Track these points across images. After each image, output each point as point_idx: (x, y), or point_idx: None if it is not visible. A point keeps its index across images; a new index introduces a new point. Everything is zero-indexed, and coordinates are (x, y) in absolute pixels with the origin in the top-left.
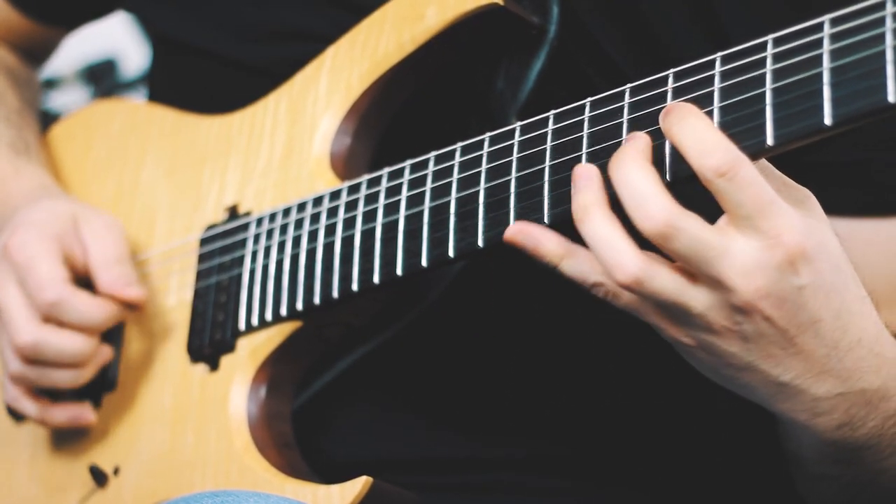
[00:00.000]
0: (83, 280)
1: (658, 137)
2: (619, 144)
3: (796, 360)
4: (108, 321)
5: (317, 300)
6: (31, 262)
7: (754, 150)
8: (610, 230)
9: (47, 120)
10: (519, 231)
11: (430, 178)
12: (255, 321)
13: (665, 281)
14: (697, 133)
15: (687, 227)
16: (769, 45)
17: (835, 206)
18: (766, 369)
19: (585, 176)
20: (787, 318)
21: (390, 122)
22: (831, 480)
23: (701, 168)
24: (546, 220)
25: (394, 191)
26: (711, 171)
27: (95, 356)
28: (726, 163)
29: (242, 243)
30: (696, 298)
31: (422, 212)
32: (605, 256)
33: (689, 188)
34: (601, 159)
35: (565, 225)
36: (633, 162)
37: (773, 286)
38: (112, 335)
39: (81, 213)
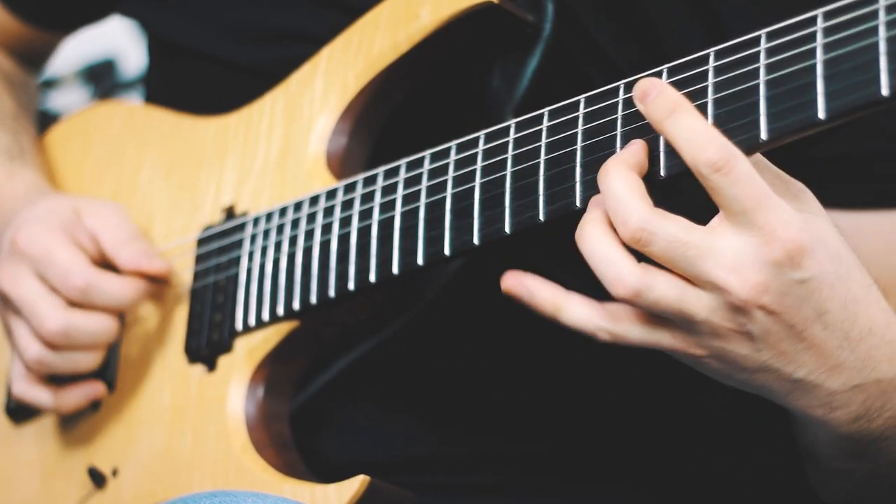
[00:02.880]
0: (102, 266)
1: (652, 131)
2: (613, 140)
3: (808, 355)
4: (137, 299)
5: (314, 299)
6: (49, 253)
7: (748, 143)
8: (606, 245)
9: (47, 120)
10: (515, 282)
11: (425, 176)
12: (252, 321)
13: (664, 290)
14: (690, 128)
15: (662, 229)
16: (763, 40)
17: (838, 199)
18: (780, 367)
19: (595, 201)
20: (791, 312)
21: (386, 122)
22: (847, 475)
23: (695, 163)
24: (541, 217)
25: (389, 189)
26: (706, 165)
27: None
28: (721, 157)
29: (239, 243)
30: (697, 303)
31: (417, 209)
32: (603, 271)
33: (690, 190)
34: (596, 155)
35: (561, 222)
36: (614, 169)
37: (772, 281)
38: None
39: (82, 204)
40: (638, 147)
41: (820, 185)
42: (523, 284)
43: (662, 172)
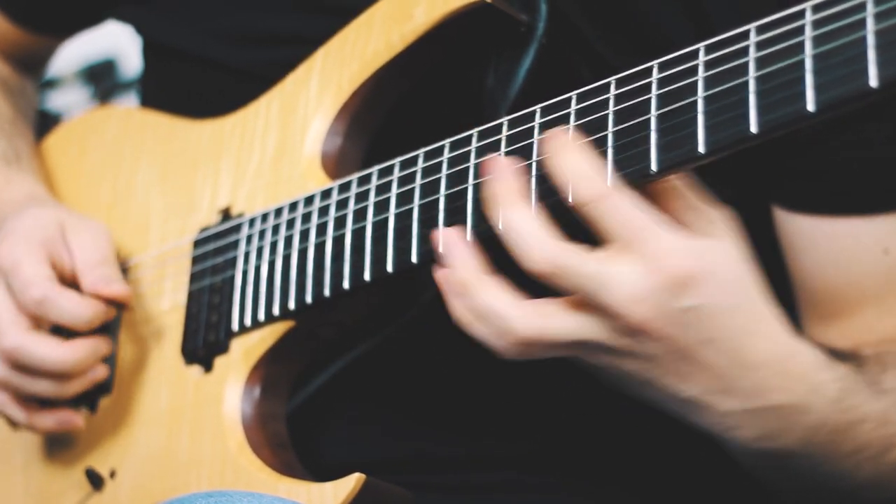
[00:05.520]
0: (72, 286)
1: (645, 127)
2: (605, 138)
3: (699, 377)
4: (94, 320)
5: (309, 299)
6: (16, 264)
7: (738, 137)
8: (497, 291)
9: (47, 120)
10: (444, 238)
11: (419, 175)
12: (248, 322)
13: (561, 329)
14: (569, 163)
15: (569, 264)
16: (752, 34)
17: (820, 204)
18: (668, 384)
19: (498, 168)
20: (677, 336)
21: (381, 122)
22: (777, 483)
23: (573, 197)
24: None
25: (384, 188)
26: (578, 198)
27: (85, 371)
28: (593, 192)
29: (235, 245)
30: (592, 330)
31: (411, 208)
32: (518, 245)
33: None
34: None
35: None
36: (512, 205)
37: (659, 309)
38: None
39: (68, 221)
40: (518, 180)
41: (796, 192)
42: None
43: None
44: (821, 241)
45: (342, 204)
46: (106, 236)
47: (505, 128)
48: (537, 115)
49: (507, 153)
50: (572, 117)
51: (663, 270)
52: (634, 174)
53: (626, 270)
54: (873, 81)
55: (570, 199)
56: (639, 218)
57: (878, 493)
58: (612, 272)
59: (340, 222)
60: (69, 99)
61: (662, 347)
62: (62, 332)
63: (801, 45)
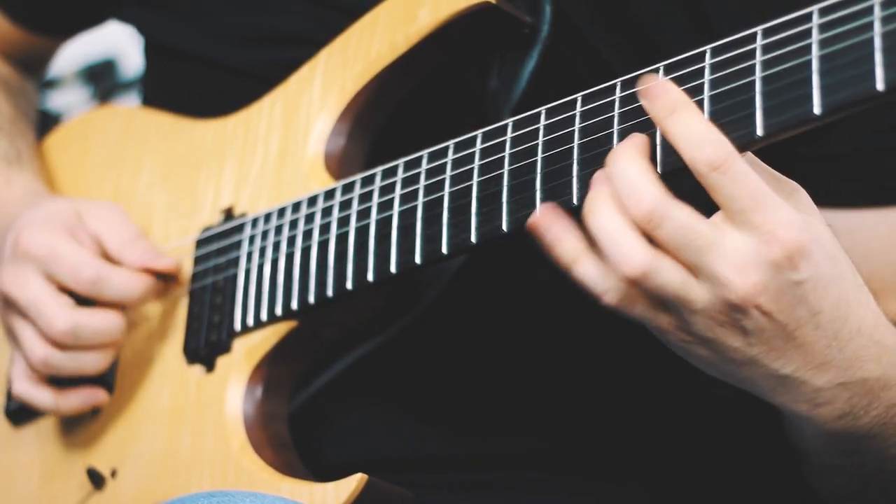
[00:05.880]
0: None
1: (650, 128)
2: (610, 137)
3: (797, 353)
4: (146, 294)
5: (311, 299)
6: (54, 250)
7: (744, 139)
8: (616, 222)
9: (47, 120)
10: (544, 220)
11: (423, 176)
12: (250, 321)
13: (669, 275)
14: (690, 125)
15: (675, 214)
16: (759, 36)
17: (837, 197)
18: (768, 363)
19: (600, 178)
20: (785, 312)
21: (385, 123)
22: (838, 471)
23: (693, 161)
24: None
25: (387, 189)
26: (704, 164)
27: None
28: (719, 156)
29: (238, 244)
30: (698, 293)
31: (415, 208)
32: (611, 249)
33: (689, 185)
34: (592, 152)
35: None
36: (625, 153)
37: (770, 282)
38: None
39: (82, 206)
40: (643, 139)
41: (812, 184)
42: (551, 226)
43: (660, 168)
44: (838, 233)
45: (345, 205)
46: (124, 215)
47: (509, 129)
48: (542, 117)
49: (512, 154)
50: (577, 119)
51: (778, 241)
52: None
53: (740, 239)
54: (880, 84)
55: (686, 161)
56: (758, 187)
57: None
58: (723, 239)
59: (343, 223)
60: (69, 99)
61: (770, 323)
62: None
63: (808, 48)
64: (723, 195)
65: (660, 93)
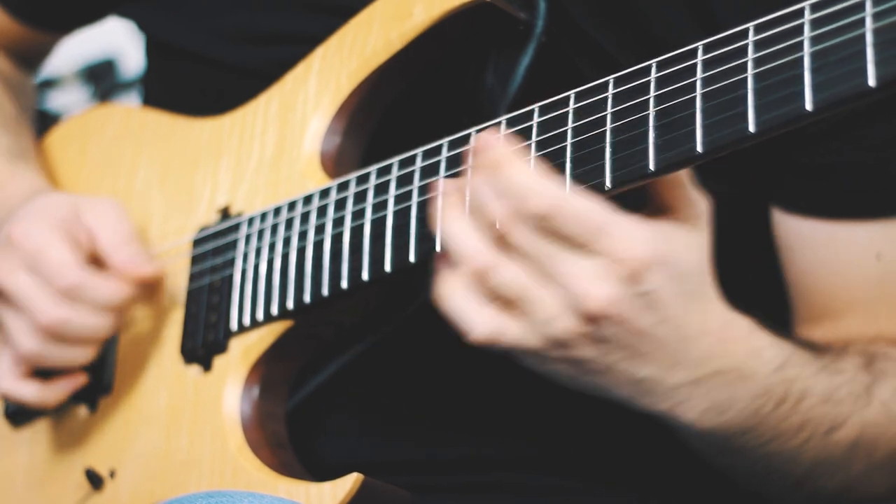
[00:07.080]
0: (94, 263)
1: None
2: (602, 135)
3: (652, 356)
4: (126, 301)
5: (307, 298)
6: (41, 249)
7: (739, 136)
8: (461, 298)
9: (47, 120)
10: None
11: (417, 174)
12: (246, 321)
13: (512, 274)
14: (513, 180)
15: (537, 244)
16: (751, 33)
17: (813, 208)
18: (624, 368)
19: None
20: (636, 319)
21: (380, 121)
22: (731, 470)
23: (525, 216)
24: None
25: (382, 187)
26: (532, 217)
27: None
28: (544, 207)
29: (234, 244)
30: (548, 300)
31: (409, 207)
32: (459, 323)
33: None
34: (586, 149)
35: None
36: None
37: (621, 295)
38: (107, 339)
39: (81, 201)
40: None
41: (794, 192)
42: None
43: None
44: (816, 243)
45: (340, 203)
46: (123, 213)
47: (503, 126)
48: (536, 114)
49: None
50: (570, 117)
51: (623, 262)
52: (632, 174)
53: (588, 262)
54: (872, 80)
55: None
56: (595, 218)
57: (829, 481)
58: (577, 259)
59: (339, 222)
60: (69, 99)
61: (622, 330)
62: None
63: (799, 44)
64: (563, 236)
65: (484, 150)
